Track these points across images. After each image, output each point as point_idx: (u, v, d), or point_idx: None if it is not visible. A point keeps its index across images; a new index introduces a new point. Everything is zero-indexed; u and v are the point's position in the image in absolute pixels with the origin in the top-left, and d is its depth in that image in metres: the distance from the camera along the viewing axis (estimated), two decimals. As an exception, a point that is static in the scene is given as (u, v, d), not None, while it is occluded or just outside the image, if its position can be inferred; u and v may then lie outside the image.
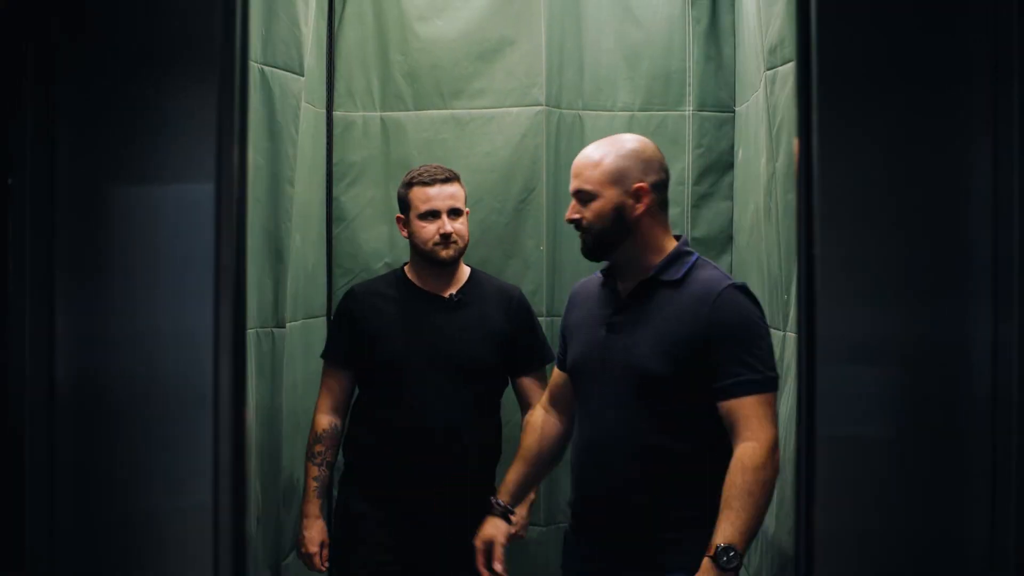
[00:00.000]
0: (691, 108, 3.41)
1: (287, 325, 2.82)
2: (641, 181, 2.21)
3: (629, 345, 2.19)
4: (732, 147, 3.40)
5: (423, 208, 2.71)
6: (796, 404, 1.52)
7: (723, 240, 3.42)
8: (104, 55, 1.38)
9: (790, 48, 2.54)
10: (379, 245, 3.42)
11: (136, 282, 1.40)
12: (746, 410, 2.09)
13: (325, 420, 2.78)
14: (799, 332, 1.47)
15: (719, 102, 3.41)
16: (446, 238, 2.71)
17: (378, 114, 3.42)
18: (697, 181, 3.41)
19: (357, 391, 2.86)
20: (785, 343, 2.59)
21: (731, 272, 3.40)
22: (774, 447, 2.07)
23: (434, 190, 2.71)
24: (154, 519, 1.41)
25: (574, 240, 3.53)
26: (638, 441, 2.17)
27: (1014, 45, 1.36)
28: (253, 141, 2.58)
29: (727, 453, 2.11)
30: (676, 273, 2.22)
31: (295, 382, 3.01)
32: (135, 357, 1.41)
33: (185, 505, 1.40)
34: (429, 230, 2.71)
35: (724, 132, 3.41)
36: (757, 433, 2.07)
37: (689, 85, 3.41)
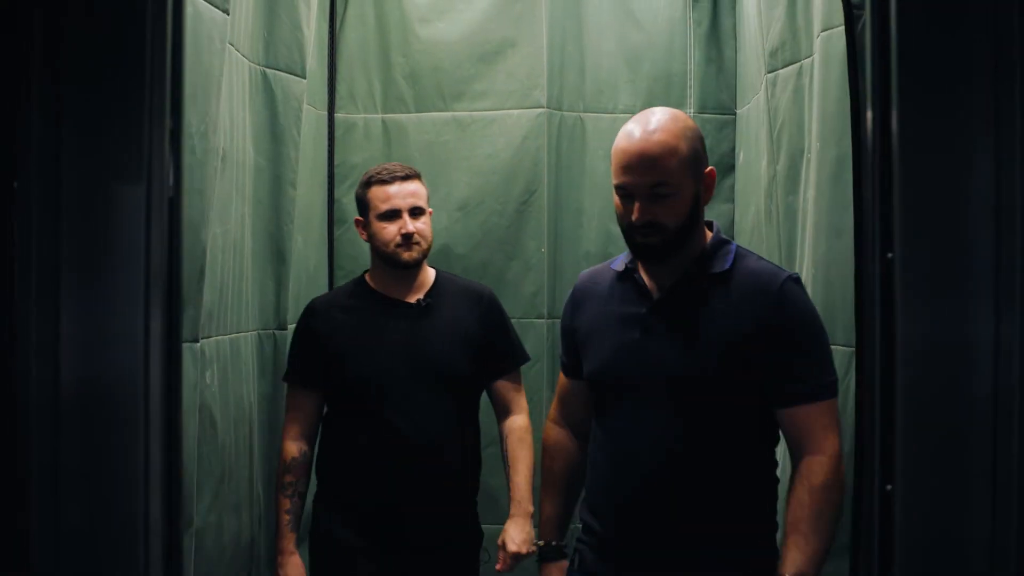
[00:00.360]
0: (692, 110, 3.41)
1: (288, 327, 2.83)
2: (708, 165, 1.96)
3: (675, 349, 1.92)
4: (733, 149, 3.41)
5: (383, 208, 2.51)
6: (859, 407, 1.49)
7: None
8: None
9: (791, 51, 2.55)
10: (380, 247, 3.43)
11: (81, 285, 1.37)
12: (812, 419, 1.87)
13: (294, 447, 2.53)
14: (869, 334, 1.44)
15: (720, 104, 3.41)
16: (408, 239, 2.50)
17: (379, 116, 3.43)
18: (698, 183, 3.41)
19: (326, 412, 2.64)
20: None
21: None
22: (840, 460, 1.87)
23: (394, 188, 2.51)
24: (92, 528, 1.36)
25: (575, 242, 3.56)
26: (696, 459, 1.91)
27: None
28: (255, 143, 2.58)
29: (773, 462, 1.97)
30: (723, 264, 1.95)
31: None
32: (85, 362, 1.36)
33: (118, 514, 1.36)
34: (390, 231, 2.51)
35: (725, 134, 3.41)
36: (823, 445, 1.86)
37: (690, 87, 3.41)
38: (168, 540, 1.39)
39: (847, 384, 2.13)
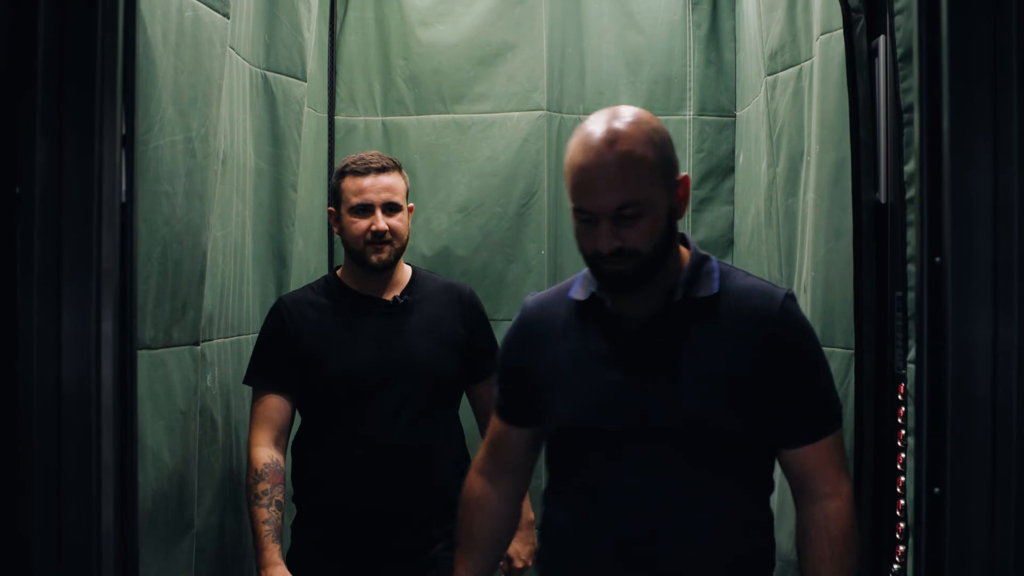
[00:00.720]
0: (692, 112, 3.42)
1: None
2: (680, 170, 1.68)
3: (661, 392, 1.65)
4: (733, 151, 3.41)
5: (354, 201, 2.32)
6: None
7: (724, 244, 3.42)
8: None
9: (790, 54, 2.55)
10: (381, 249, 3.43)
11: (38, 290, 1.36)
12: (823, 457, 1.66)
13: (264, 454, 2.29)
14: (922, 338, 1.42)
15: (720, 107, 3.42)
16: (379, 236, 2.31)
17: (380, 119, 3.43)
18: (698, 185, 3.42)
19: (299, 420, 2.45)
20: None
21: (732, 276, 3.39)
22: (853, 500, 1.69)
23: (367, 181, 2.32)
24: (43, 536, 1.35)
25: (575, 244, 3.54)
26: (689, 520, 1.64)
27: None
28: (256, 146, 2.59)
29: (770, 515, 1.76)
30: (709, 287, 1.68)
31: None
32: (39, 366, 1.36)
33: (70, 522, 1.35)
34: (359, 226, 2.32)
35: (725, 136, 3.42)
36: (837, 486, 1.66)
37: (690, 90, 3.42)
38: (121, 549, 1.38)
39: (846, 387, 2.14)
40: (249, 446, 2.32)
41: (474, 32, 3.39)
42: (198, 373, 2.10)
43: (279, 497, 2.30)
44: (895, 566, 1.90)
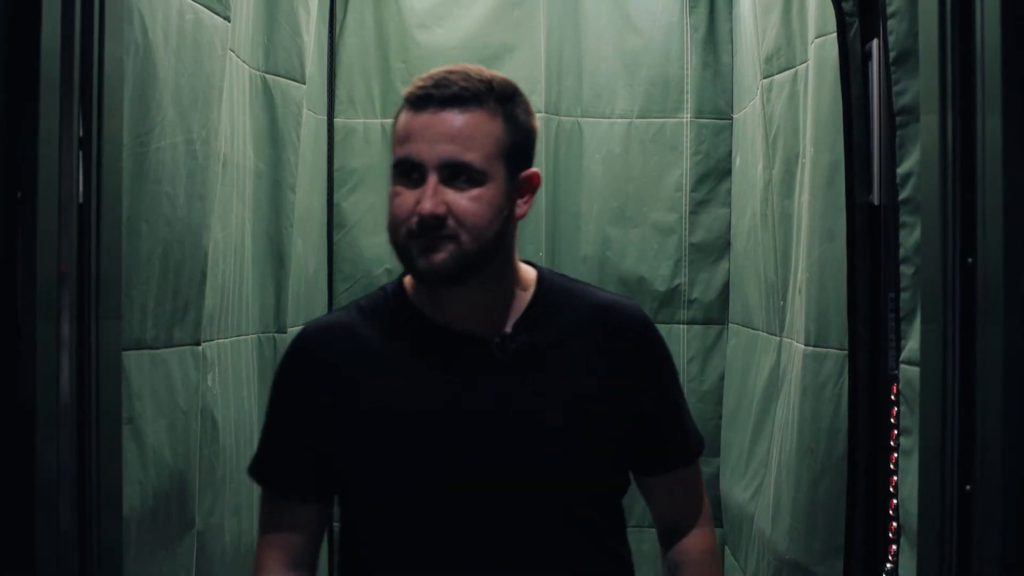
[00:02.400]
0: (689, 115, 3.43)
1: (288, 330, 2.85)
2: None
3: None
4: (730, 154, 3.43)
5: (398, 153, 1.38)
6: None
7: (721, 246, 3.44)
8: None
9: (786, 57, 2.57)
10: (379, 251, 3.44)
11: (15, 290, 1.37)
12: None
13: None
14: (946, 339, 1.40)
15: (717, 109, 3.44)
16: None
17: (379, 121, 3.45)
18: (695, 187, 3.43)
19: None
20: (781, 348, 2.62)
21: (729, 278, 3.43)
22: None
23: (423, 118, 1.34)
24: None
25: (573, 246, 3.58)
26: None
27: None
28: (255, 148, 2.61)
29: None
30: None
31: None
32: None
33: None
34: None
35: (722, 139, 3.44)
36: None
37: (687, 92, 3.44)
38: (81, 556, 1.37)
39: (840, 388, 2.15)
40: (256, 567, 1.42)
41: (473, 34, 3.40)
42: (199, 373, 2.12)
43: None
44: (888, 565, 1.92)
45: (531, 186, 1.34)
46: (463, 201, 1.26)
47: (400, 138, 1.31)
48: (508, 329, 1.35)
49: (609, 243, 3.44)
